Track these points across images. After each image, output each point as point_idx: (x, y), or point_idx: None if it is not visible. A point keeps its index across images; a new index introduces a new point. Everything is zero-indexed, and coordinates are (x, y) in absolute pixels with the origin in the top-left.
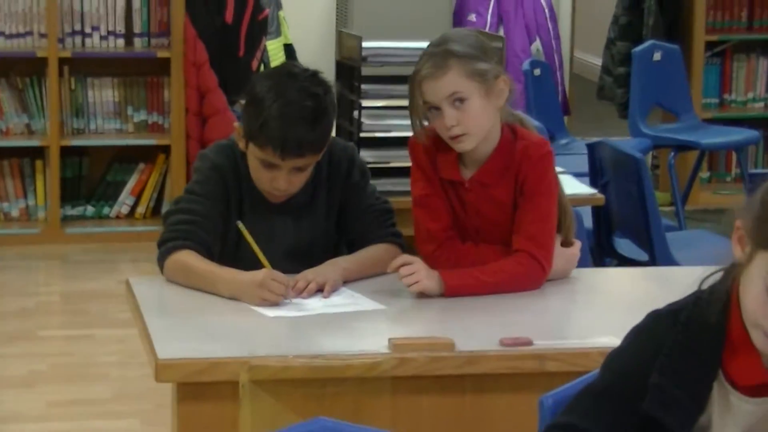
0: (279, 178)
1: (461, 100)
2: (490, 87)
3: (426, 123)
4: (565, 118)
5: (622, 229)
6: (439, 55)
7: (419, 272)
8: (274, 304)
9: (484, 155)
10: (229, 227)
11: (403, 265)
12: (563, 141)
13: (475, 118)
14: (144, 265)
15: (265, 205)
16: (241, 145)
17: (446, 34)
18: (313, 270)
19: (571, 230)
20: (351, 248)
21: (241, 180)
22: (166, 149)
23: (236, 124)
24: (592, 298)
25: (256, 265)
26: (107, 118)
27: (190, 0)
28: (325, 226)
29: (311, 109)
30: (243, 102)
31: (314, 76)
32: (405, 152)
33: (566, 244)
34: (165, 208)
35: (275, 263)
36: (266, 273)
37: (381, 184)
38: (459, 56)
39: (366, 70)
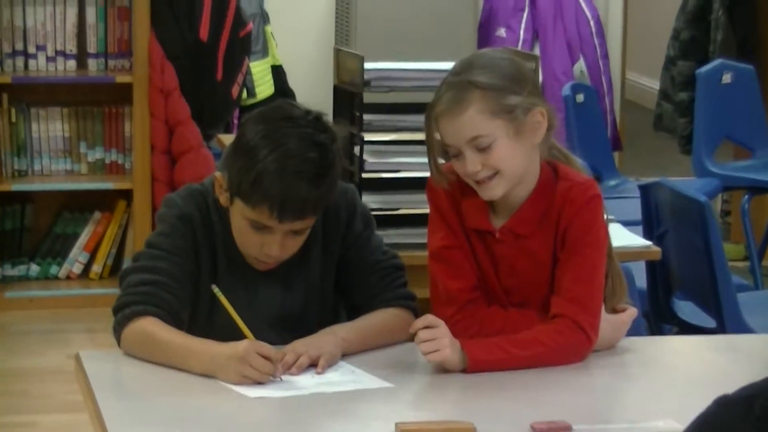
0: (271, 243)
1: (485, 145)
2: (521, 124)
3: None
4: (615, 154)
5: (684, 290)
6: (458, 86)
7: (442, 339)
8: (258, 383)
9: (519, 200)
10: (200, 289)
11: (425, 328)
12: (612, 182)
13: (504, 160)
14: (101, 337)
15: (244, 265)
16: (223, 199)
17: (472, 59)
18: (305, 340)
19: (619, 296)
20: (352, 314)
21: (215, 235)
22: (127, 195)
23: (218, 174)
24: (646, 373)
25: (235, 334)
26: (55, 158)
27: (156, 14)
28: (320, 288)
29: (315, 162)
30: (229, 150)
31: (317, 120)
32: (416, 196)
33: (613, 311)
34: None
35: (259, 334)
36: (248, 345)
37: (388, 236)
38: (482, 89)
39: (369, 97)
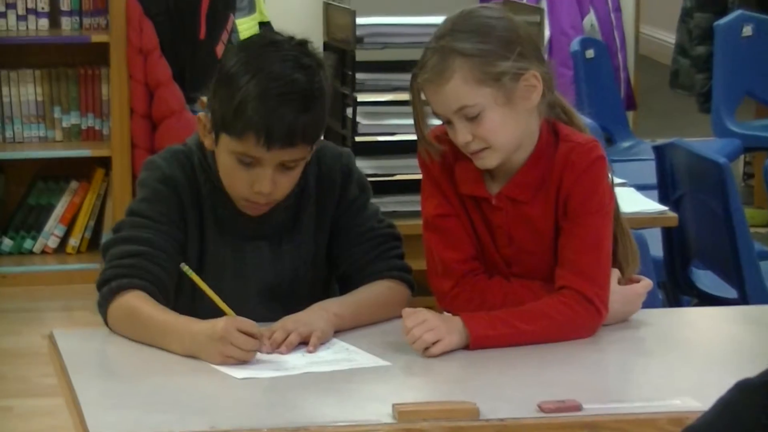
0: (262, 179)
1: (472, 114)
2: (511, 91)
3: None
4: (629, 114)
5: (703, 258)
6: (440, 53)
7: (439, 328)
8: (242, 362)
9: (517, 164)
10: (188, 256)
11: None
12: (626, 144)
13: (495, 131)
14: (78, 315)
15: (233, 229)
16: (208, 142)
17: (456, 20)
18: (295, 317)
19: (631, 264)
20: (344, 285)
21: (201, 198)
22: (105, 162)
23: (201, 114)
24: (662, 348)
25: (222, 300)
26: (28, 123)
27: None
28: (313, 255)
29: (302, 84)
30: (211, 86)
31: (302, 45)
32: (413, 161)
33: (625, 282)
34: (105, 238)
35: (247, 306)
36: (227, 323)
37: (383, 203)
38: (466, 55)
39: (362, 55)
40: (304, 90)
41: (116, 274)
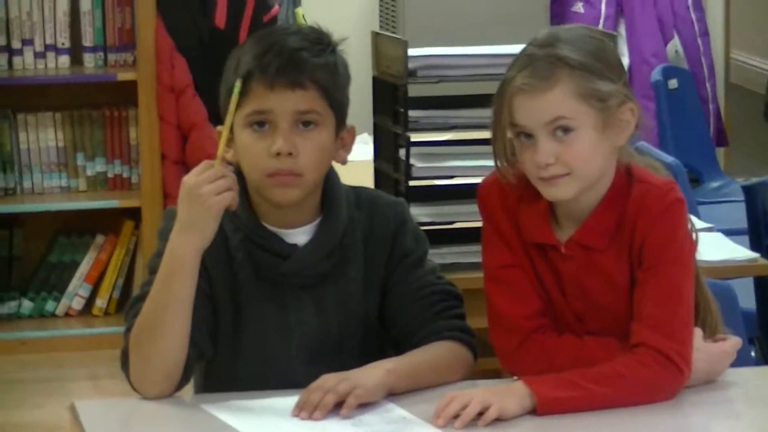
0: (277, 137)
1: (566, 129)
2: (611, 117)
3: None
4: (720, 151)
5: None
6: (544, 60)
7: (480, 396)
8: (228, 187)
9: (587, 207)
10: (218, 304)
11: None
12: (715, 184)
13: (582, 157)
14: (107, 384)
15: (270, 279)
16: (230, 154)
17: (557, 32)
18: (339, 373)
19: (710, 328)
20: (399, 350)
21: (231, 248)
22: (134, 214)
23: (218, 128)
24: (755, 412)
25: (264, 349)
26: (48, 172)
27: None
28: (363, 314)
29: (307, 33)
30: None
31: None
32: (474, 207)
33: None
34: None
35: (290, 367)
36: (185, 178)
37: (441, 254)
38: (573, 67)
39: (415, 90)
40: (311, 33)
41: None
